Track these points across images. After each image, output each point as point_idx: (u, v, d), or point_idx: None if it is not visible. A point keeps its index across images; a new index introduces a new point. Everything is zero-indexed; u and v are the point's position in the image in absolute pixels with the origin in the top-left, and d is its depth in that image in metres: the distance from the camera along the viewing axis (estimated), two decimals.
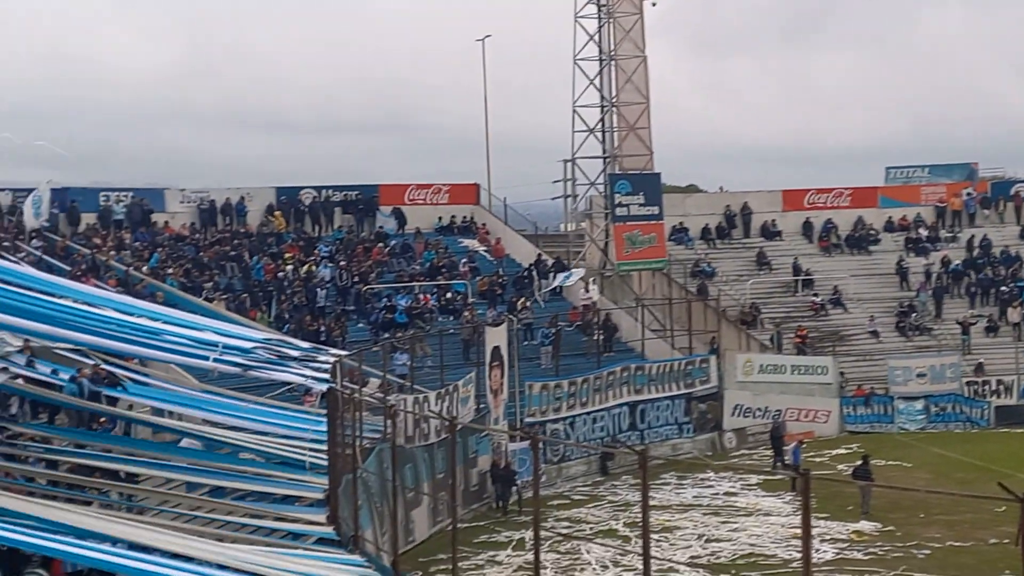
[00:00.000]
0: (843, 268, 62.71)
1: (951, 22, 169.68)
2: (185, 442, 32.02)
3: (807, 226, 64.67)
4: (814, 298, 60.00)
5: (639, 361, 49.24)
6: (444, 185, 59.61)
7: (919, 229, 64.82)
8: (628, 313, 53.88)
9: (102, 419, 31.97)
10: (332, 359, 28.56)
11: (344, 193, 57.05)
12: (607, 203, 58.11)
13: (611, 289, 57.17)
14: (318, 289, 49.55)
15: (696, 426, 49.58)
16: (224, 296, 47.09)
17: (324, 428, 27.77)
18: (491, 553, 32.11)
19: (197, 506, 27.50)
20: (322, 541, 25.07)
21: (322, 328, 46.15)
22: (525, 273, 54.97)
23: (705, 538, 33.23)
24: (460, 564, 25.79)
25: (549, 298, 53.96)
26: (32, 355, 33.14)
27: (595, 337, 51.20)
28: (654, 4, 60.12)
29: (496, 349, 40.80)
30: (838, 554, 31.15)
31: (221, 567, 18.71)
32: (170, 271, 47.30)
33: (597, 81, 59.50)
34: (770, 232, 64.18)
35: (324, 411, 28.27)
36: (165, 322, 29.26)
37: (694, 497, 38.93)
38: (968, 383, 54.25)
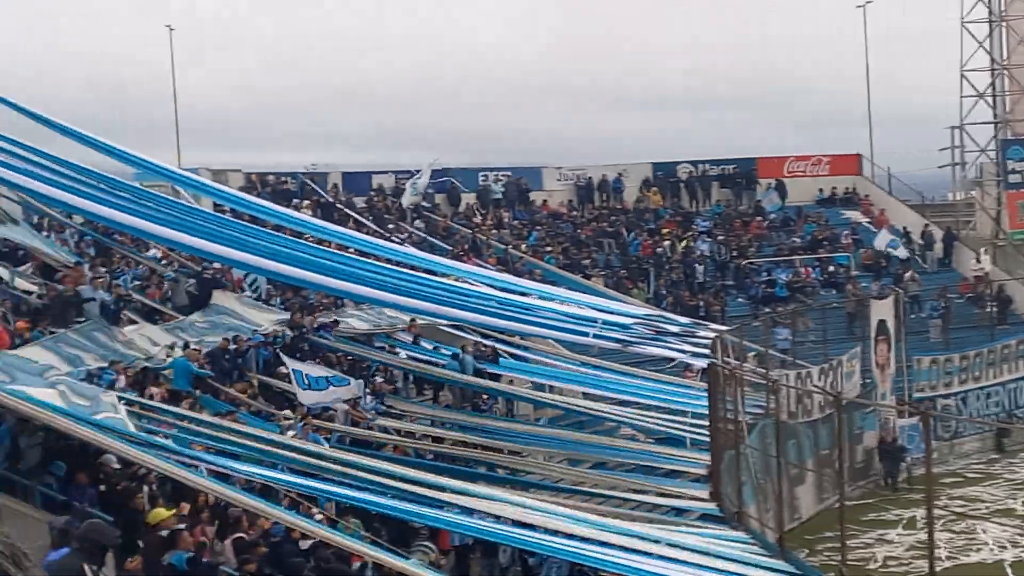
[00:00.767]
0: None
1: None
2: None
3: None
4: None
5: None
6: (824, 156, 58.09)
7: None
8: (1023, 284, 51.23)
9: (485, 395, 32.53)
10: (712, 334, 28.16)
11: (721, 167, 56.42)
12: (999, 170, 55.52)
13: (1004, 259, 54.45)
14: (696, 264, 49.15)
15: None
16: (602, 273, 47.30)
17: (705, 404, 27.42)
18: (880, 531, 31.08)
19: (579, 481, 27.58)
20: (705, 517, 24.73)
21: (701, 303, 45.75)
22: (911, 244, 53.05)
23: None
24: (848, 542, 24.91)
25: (937, 269, 52.01)
26: (417, 333, 34.06)
27: (988, 309, 48.94)
28: None
29: (882, 323, 39.45)
30: None
31: (603, 544, 18.57)
32: (548, 249, 47.80)
33: (987, 43, 56.82)
34: None
35: (705, 387, 27.92)
36: (544, 298, 29.49)
37: None
38: None
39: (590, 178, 54.36)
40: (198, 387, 25.30)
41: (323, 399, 26.43)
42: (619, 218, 52.43)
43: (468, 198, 51.93)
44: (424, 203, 49.13)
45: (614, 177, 54.46)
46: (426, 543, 22.20)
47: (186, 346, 26.76)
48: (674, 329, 28.02)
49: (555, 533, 18.68)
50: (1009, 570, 28.07)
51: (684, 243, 50.61)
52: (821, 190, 56.83)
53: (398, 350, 33.25)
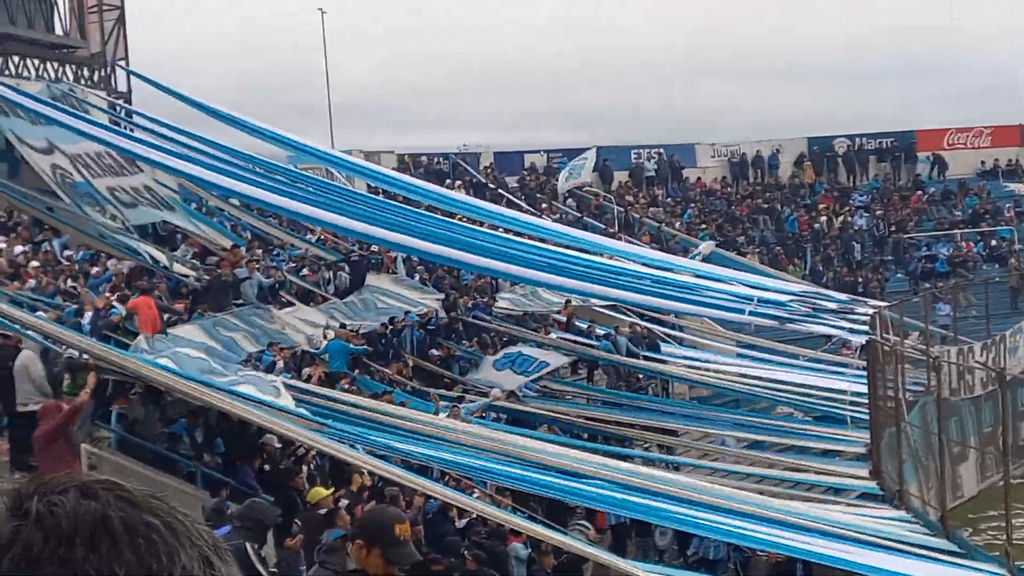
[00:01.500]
0: None
1: None
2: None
3: None
4: None
5: None
6: (986, 128, 56.71)
7: None
8: None
9: (639, 375, 32.40)
10: (870, 311, 27.65)
11: (879, 141, 55.44)
12: None
13: None
14: (853, 240, 48.41)
15: None
16: (757, 250, 46.85)
17: (864, 382, 26.96)
18: None
19: (736, 460, 27.34)
20: (865, 496, 24.35)
21: (859, 279, 45.07)
22: None
23: None
24: (1013, 521, 24.28)
25: None
26: (571, 314, 34.01)
27: None
28: None
29: None
30: None
31: (758, 519, 18.35)
32: (703, 226, 47.44)
33: None
34: None
35: (863, 364, 27.46)
36: (698, 276, 29.22)
37: None
38: None
39: (744, 154, 53.85)
40: (355, 368, 25.57)
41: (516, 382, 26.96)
42: (774, 194, 51.88)
43: (620, 176, 51.75)
44: (577, 186, 49.10)
45: (769, 153, 53.87)
46: (582, 522, 22.18)
47: (342, 326, 27.05)
48: (831, 306, 27.53)
49: (712, 512, 18.51)
50: None
51: (841, 218, 49.92)
52: (983, 162, 55.52)
53: (551, 331, 33.25)
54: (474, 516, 19.37)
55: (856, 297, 33.18)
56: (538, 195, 47.37)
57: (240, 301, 26.63)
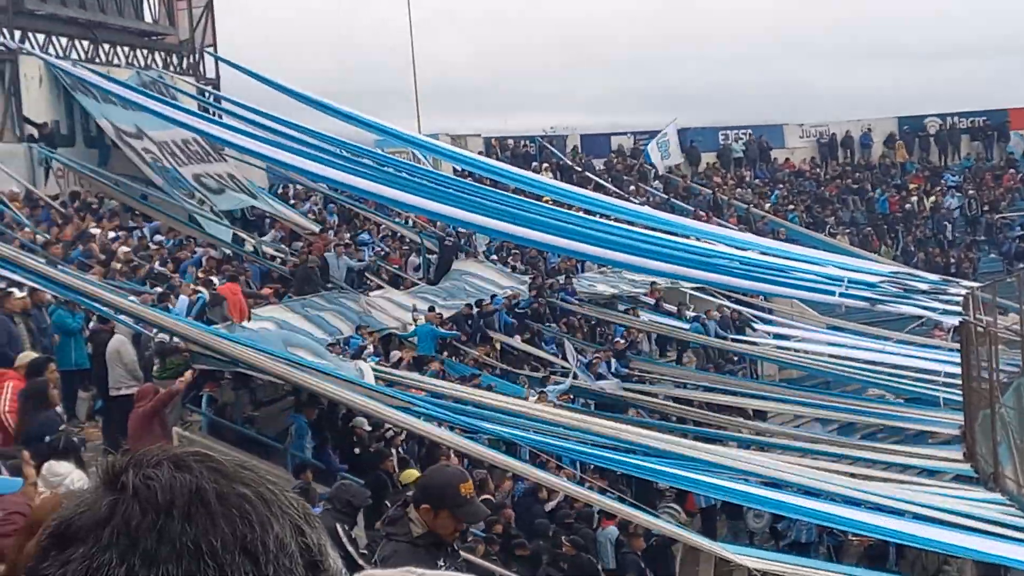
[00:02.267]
0: None
1: None
2: None
3: None
4: None
5: None
6: None
7: None
8: None
9: (731, 356, 32.23)
10: (963, 292, 27.27)
11: (971, 120, 54.61)
12: None
13: None
14: (945, 221, 47.81)
15: None
16: (847, 230, 46.45)
17: (957, 363, 26.62)
18: None
19: (826, 443, 27.10)
20: (959, 479, 24.04)
21: (951, 260, 44.52)
22: None
23: None
24: None
25: None
26: (660, 297, 33.89)
27: None
28: None
29: None
30: None
31: (851, 502, 18.18)
32: (791, 207, 47.06)
33: None
34: None
35: (956, 346, 27.12)
36: (788, 258, 28.97)
37: None
38: None
39: (833, 134, 53.31)
40: (443, 350, 25.63)
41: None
42: (864, 174, 51.33)
43: (708, 157, 51.45)
44: (673, 164, 48.99)
45: (859, 133, 53.27)
46: (672, 504, 22.11)
47: (431, 309, 27.11)
48: (923, 287, 27.21)
49: (803, 495, 18.36)
50: None
51: (932, 198, 49.29)
52: None
53: (640, 313, 33.14)
54: (562, 499, 19.36)
55: (948, 278, 32.79)
56: (625, 177, 47.18)
57: (329, 285, 26.77)
